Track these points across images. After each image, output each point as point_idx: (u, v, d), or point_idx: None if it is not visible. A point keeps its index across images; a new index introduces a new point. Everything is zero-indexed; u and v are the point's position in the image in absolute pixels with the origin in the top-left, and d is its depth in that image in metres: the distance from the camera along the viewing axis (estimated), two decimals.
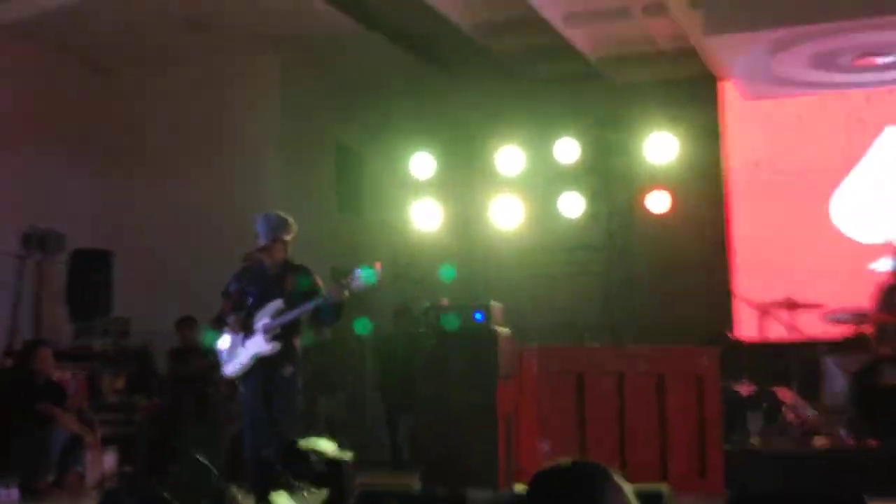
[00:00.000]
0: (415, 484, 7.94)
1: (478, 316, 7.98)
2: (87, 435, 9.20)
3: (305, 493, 5.36)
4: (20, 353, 9.49)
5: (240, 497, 5.50)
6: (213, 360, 8.75)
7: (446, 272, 11.59)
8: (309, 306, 7.03)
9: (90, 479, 9.01)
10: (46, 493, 8.51)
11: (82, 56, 11.88)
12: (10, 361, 9.66)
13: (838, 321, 9.57)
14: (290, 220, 7.32)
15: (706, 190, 12.67)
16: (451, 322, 8.17)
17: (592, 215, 12.15)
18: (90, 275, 10.86)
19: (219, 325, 7.44)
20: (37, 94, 11.40)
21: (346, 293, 7.03)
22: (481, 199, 12.44)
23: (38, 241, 10.23)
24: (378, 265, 7.14)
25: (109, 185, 12.10)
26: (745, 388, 9.59)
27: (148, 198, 11.96)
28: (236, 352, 7.19)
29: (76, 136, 11.98)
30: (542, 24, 11.31)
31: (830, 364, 9.40)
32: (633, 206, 12.22)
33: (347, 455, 5.57)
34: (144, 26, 10.88)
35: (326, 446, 5.52)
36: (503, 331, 7.93)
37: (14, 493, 8.02)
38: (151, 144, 12.17)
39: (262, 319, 7.03)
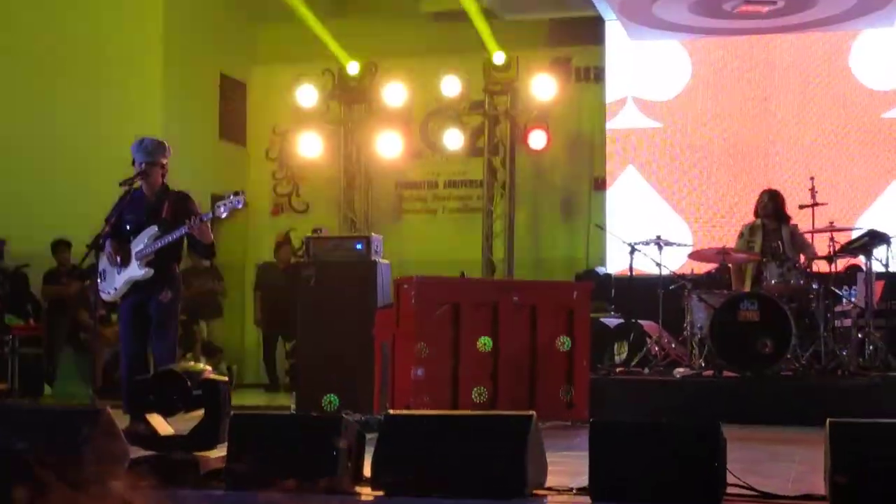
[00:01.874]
0: (290, 407, 8.42)
1: (358, 246, 8.32)
2: None
3: (181, 415, 5.38)
4: None
5: (114, 418, 5.31)
6: (88, 283, 9.31)
7: None
8: (182, 231, 7.09)
9: None
10: None
11: None
12: None
13: (702, 259, 10.07)
14: (166, 143, 7.41)
15: (586, 129, 13.08)
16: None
17: (477, 149, 12.78)
18: None
19: (96, 249, 7.25)
20: None
21: (220, 215, 7.28)
22: (366, 132, 12.85)
23: None
24: (242, 196, 7.25)
25: None
26: (613, 320, 10.16)
27: (26, 118, 11.83)
28: (113, 277, 7.28)
29: None
30: None
31: (694, 299, 9.56)
32: (515, 144, 12.63)
33: (223, 378, 5.54)
34: None
35: (203, 369, 5.48)
36: (382, 262, 8.26)
37: None
38: (28, 60, 12.07)
39: (138, 246, 7.13)
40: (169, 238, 7.08)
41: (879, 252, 9.52)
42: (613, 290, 10.90)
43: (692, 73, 13.14)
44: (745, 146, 12.96)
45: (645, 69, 13.19)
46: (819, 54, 12.96)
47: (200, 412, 5.13)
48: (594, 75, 13.22)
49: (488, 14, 12.83)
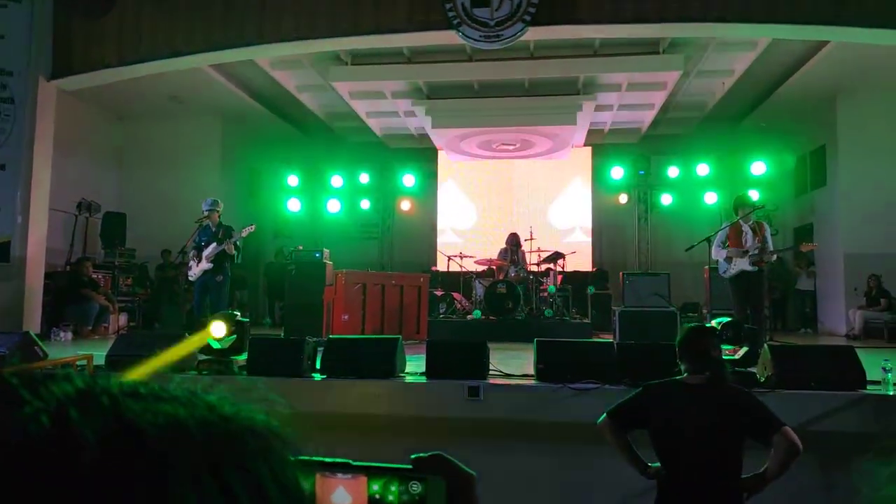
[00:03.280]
0: (280, 335, 7.76)
1: (317, 254, 8.17)
2: (110, 306, 9.48)
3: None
4: (74, 263, 9.70)
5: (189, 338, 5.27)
6: (180, 270, 9.43)
7: None
8: (225, 244, 7.15)
9: (111, 330, 9.27)
10: (87, 337, 8.75)
11: (117, 109, 11.30)
12: (69, 267, 9.73)
13: (481, 263, 10.04)
14: (218, 199, 7.55)
15: (428, 202, 13.20)
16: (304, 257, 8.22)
17: (375, 210, 13.10)
18: (113, 226, 10.98)
19: (185, 255, 7.68)
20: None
21: (242, 235, 7.18)
22: (322, 200, 13.02)
23: (85, 207, 10.45)
24: (252, 226, 7.27)
25: (131, 184, 11.55)
26: (439, 292, 9.99)
27: (149, 190, 11.31)
28: (194, 267, 7.32)
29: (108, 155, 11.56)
30: (355, 115, 11.69)
31: (477, 283, 9.65)
32: (394, 206, 13.12)
33: (247, 319, 5.46)
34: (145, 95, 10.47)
35: (237, 314, 5.42)
36: (329, 263, 8.12)
37: (69, 335, 8.24)
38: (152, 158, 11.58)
39: (206, 251, 7.21)
40: (220, 247, 7.17)
41: (560, 261, 9.92)
42: (440, 277, 10.80)
43: (477, 174, 13.21)
44: (500, 210, 13.00)
45: (458, 173, 13.29)
46: (533, 167, 12.96)
47: (234, 336, 5.07)
48: (434, 175, 13.27)
49: (382, 143, 13.00)
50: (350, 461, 0.80)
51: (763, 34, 7.84)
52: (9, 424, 0.31)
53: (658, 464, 2.71)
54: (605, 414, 2.80)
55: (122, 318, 10.04)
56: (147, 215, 11.16)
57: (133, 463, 0.32)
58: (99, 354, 5.14)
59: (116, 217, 11.13)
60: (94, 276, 9.88)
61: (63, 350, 6.64)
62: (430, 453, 0.79)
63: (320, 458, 0.79)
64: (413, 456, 0.80)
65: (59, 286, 9.27)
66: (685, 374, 2.78)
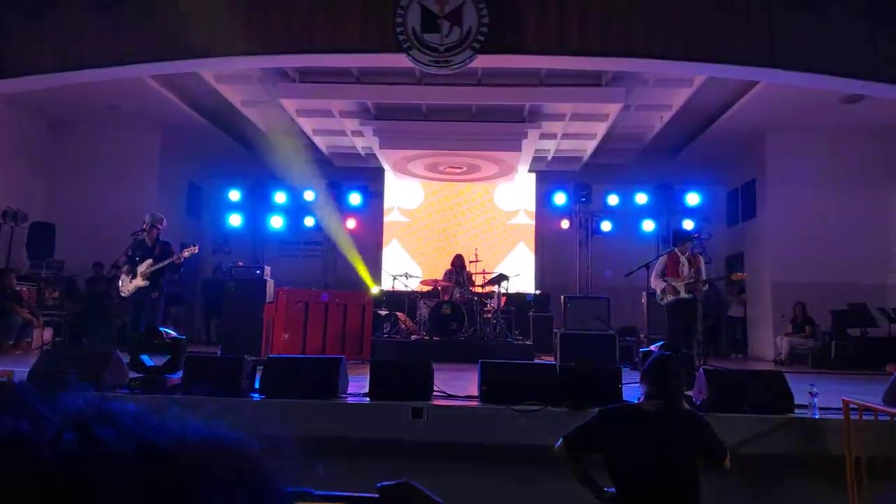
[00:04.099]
0: (217, 353, 7.85)
1: (257, 271, 8.21)
2: (34, 320, 9.16)
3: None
4: None
5: (119, 356, 5.24)
6: (113, 285, 8.50)
7: None
8: (165, 262, 7.08)
9: (34, 345, 8.91)
10: (8, 352, 8.48)
11: (48, 116, 10.93)
12: None
13: (427, 284, 10.05)
14: (163, 217, 7.45)
15: (374, 222, 13.25)
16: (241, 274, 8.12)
17: (319, 228, 12.70)
18: (41, 236, 10.52)
19: (118, 269, 7.34)
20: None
21: (184, 256, 7.13)
22: (264, 215, 12.76)
23: (11, 216, 9.94)
24: (196, 247, 7.24)
25: (61, 194, 11.13)
26: (383, 312, 9.99)
27: (82, 200, 10.99)
28: (126, 284, 7.19)
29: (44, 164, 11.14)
30: (302, 133, 11.67)
31: (421, 303, 9.62)
32: (339, 225, 12.69)
33: (182, 337, 5.50)
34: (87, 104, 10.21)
35: (172, 332, 5.46)
36: (270, 280, 8.16)
37: None
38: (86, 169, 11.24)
39: (141, 268, 7.13)
40: (157, 265, 7.09)
41: (504, 283, 10.00)
42: (385, 297, 10.80)
43: (423, 195, 13.41)
44: (445, 231, 13.15)
45: (403, 192, 13.40)
46: (478, 190, 13.34)
47: (169, 354, 5.13)
48: (381, 193, 13.38)
49: (329, 161, 13.00)
50: (313, 490, 0.77)
51: (701, 72, 8.26)
52: (36, 439, 0.32)
53: (613, 489, 2.73)
54: (561, 438, 2.81)
55: (47, 333, 9.61)
56: (78, 226, 10.77)
57: (158, 477, 0.33)
58: (21, 370, 4.93)
59: (44, 227, 10.68)
60: (18, 288, 9.51)
61: None
62: (396, 482, 0.78)
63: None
64: (379, 485, 0.79)
65: None
66: (643, 399, 2.85)
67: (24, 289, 9.72)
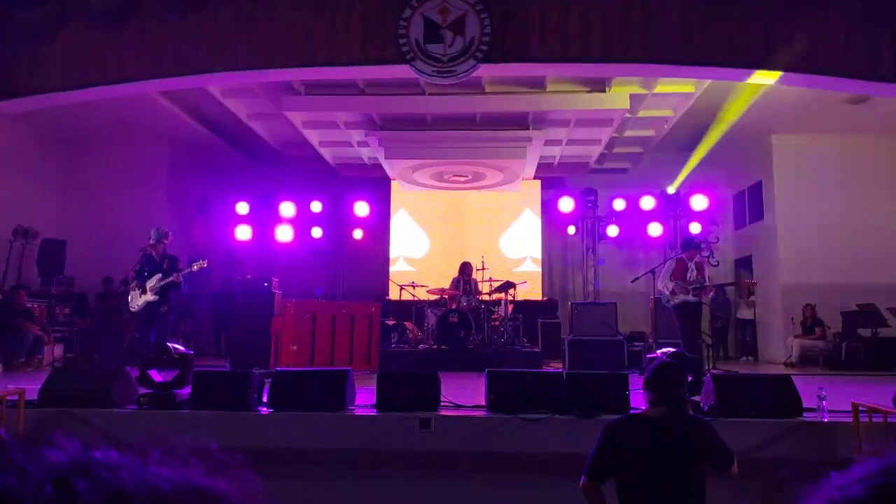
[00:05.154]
0: (227, 366, 7.69)
1: (265, 283, 8.04)
2: (45, 337, 9.17)
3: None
4: (7, 292, 9.42)
5: (129, 372, 5.24)
6: (123, 300, 8.55)
7: None
8: (172, 277, 7.10)
9: (46, 361, 8.96)
10: (19, 369, 8.47)
11: (58, 133, 11.09)
12: (1, 296, 9.39)
13: (433, 293, 10.01)
14: (168, 231, 7.49)
15: (381, 232, 13.10)
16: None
17: (327, 238, 12.75)
18: (51, 253, 10.61)
19: (127, 285, 7.38)
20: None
21: (193, 270, 7.18)
22: (272, 228, 12.73)
23: (21, 233, 10.16)
24: (205, 262, 7.17)
25: (72, 210, 11.33)
26: (391, 321, 10.01)
27: (92, 217, 11.19)
28: (136, 299, 7.22)
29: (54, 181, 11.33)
30: (307, 144, 11.70)
31: (429, 312, 9.71)
32: (347, 236, 12.83)
33: (191, 352, 5.44)
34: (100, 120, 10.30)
35: (180, 346, 5.43)
36: (277, 291, 8.04)
37: None
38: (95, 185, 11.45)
39: (150, 283, 7.15)
40: (166, 280, 7.11)
41: (511, 291, 9.81)
42: (392, 307, 10.83)
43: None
44: (452, 234, 13.02)
45: (410, 202, 13.33)
46: (484, 198, 13.14)
47: (178, 369, 5.09)
48: (386, 201, 13.18)
49: (335, 172, 13.05)
50: None
51: (701, 76, 8.26)
52: (18, 494, 0.35)
53: None
54: (582, 476, 2.75)
55: (58, 350, 9.66)
56: (88, 242, 10.88)
57: None
58: (32, 388, 4.90)
59: (55, 244, 10.79)
60: (29, 305, 9.53)
61: None
62: None
63: None
64: None
65: None
66: (647, 407, 2.83)
67: (35, 305, 9.76)
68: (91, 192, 11.47)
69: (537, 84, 9.45)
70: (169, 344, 5.54)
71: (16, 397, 4.60)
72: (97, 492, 0.37)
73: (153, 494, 0.39)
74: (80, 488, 0.37)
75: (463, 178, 12.28)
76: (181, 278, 7.10)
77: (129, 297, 7.31)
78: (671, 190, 12.25)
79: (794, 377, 4.74)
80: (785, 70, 6.60)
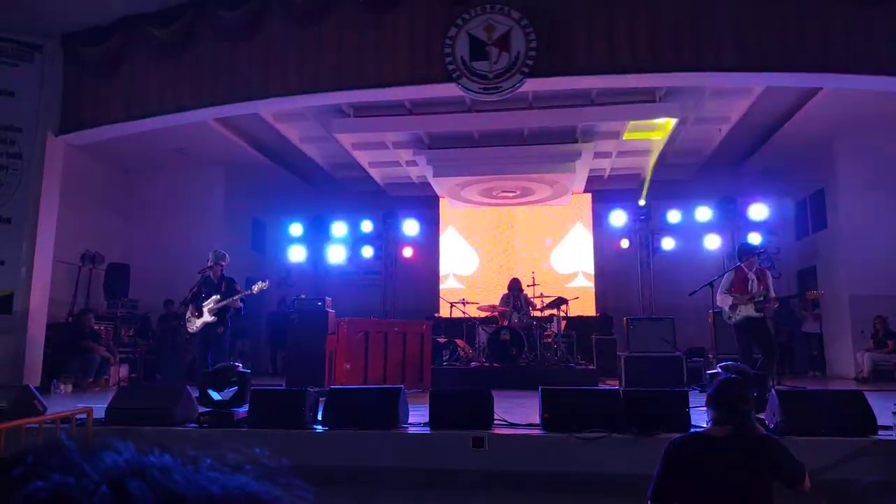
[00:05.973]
0: (283, 384, 7.70)
1: (319, 303, 8.19)
2: (111, 358, 9.45)
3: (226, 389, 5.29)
4: (76, 315, 9.75)
5: (189, 391, 5.32)
6: (182, 322, 8.55)
7: None
8: (230, 301, 7.13)
9: (112, 381, 9.23)
10: (88, 388, 8.71)
11: (122, 162, 11.37)
12: (72, 319, 9.70)
13: (484, 310, 10.06)
14: (226, 253, 7.50)
15: (430, 249, 13.27)
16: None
17: (378, 257, 13.13)
18: (116, 277, 10.90)
19: (185, 307, 7.39)
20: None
21: (253, 291, 7.17)
22: (324, 248, 13.01)
23: (89, 258, 10.56)
24: (266, 283, 7.20)
25: (135, 235, 11.54)
26: (442, 339, 10.01)
27: (153, 241, 11.40)
28: (193, 322, 7.25)
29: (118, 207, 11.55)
30: (357, 166, 11.97)
31: (480, 329, 9.68)
32: (398, 254, 13.13)
33: (248, 371, 5.54)
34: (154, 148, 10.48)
35: (238, 366, 5.52)
36: (331, 311, 8.13)
37: (69, 387, 8.35)
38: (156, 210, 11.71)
39: (208, 304, 7.18)
40: (224, 302, 7.15)
41: (563, 307, 9.85)
42: (442, 324, 10.91)
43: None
44: (502, 250, 13.03)
45: (459, 219, 13.46)
46: (534, 213, 13.15)
47: (235, 388, 5.25)
48: (435, 221, 13.22)
49: (384, 191, 13.24)
50: None
51: (756, 82, 8.02)
52: (77, 494, 0.38)
53: None
54: (648, 500, 2.66)
55: (123, 370, 9.96)
56: (150, 266, 11.18)
57: None
58: (99, 407, 5.07)
59: (120, 268, 11.13)
60: (96, 327, 9.84)
61: (63, 403, 6.58)
62: None
63: None
64: None
65: (60, 338, 9.21)
66: (710, 425, 2.75)
67: (102, 328, 10.11)
68: (152, 216, 11.78)
69: (585, 97, 9.48)
70: (227, 364, 5.63)
71: (84, 416, 4.79)
72: (151, 492, 0.39)
73: (205, 497, 0.41)
74: (135, 489, 0.39)
75: (512, 194, 12.32)
76: (240, 303, 7.18)
77: (187, 319, 7.42)
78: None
79: (866, 393, 4.56)
80: (843, 72, 6.34)
